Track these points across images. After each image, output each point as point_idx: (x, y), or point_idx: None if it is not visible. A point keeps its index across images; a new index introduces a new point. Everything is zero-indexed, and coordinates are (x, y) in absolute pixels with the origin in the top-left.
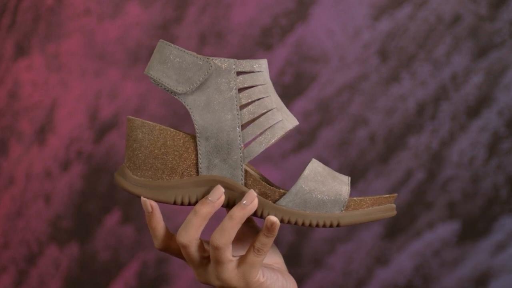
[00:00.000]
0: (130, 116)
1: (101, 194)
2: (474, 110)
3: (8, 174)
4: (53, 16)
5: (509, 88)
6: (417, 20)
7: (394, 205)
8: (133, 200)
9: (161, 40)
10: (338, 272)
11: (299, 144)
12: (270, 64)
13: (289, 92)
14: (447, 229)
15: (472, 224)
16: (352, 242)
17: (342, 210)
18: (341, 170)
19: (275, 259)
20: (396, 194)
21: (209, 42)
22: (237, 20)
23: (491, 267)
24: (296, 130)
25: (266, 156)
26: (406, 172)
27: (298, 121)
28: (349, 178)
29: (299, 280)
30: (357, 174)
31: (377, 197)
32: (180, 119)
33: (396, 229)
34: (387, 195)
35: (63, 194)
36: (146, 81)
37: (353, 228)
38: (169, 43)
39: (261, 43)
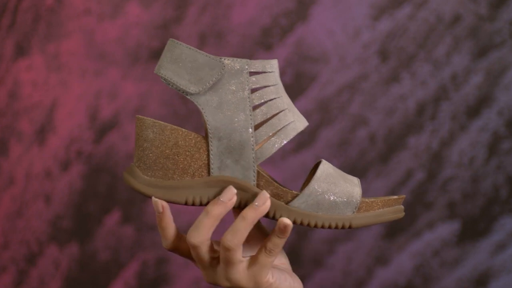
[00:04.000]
0: (139, 116)
1: (101, 194)
2: (474, 110)
3: (8, 174)
4: (53, 16)
5: (509, 88)
6: (417, 20)
7: (402, 207)
8: (133, 201)
9: (171, 39)
10: (338, 272)
11: (299, 144)
12: None
13: (289, 92)
14: (447, 229)
15: (472, 224)
16: (352, 242)
17: (354, 212)
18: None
19: (281, 260)
20: (404, 196)
21: (209, 42)
22: (237, 20)
23: (491, 267)
24: None
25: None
26: (406, 172)
27: None
28: (359, 179)
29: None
30: (357, 174)
31: (387, 198)
32: (180, 119)
33: (396, 229)
34: (396, 197)
35: (63, 194)
36: (146, 81)
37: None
38: (180, 42)
39: (261, 43)
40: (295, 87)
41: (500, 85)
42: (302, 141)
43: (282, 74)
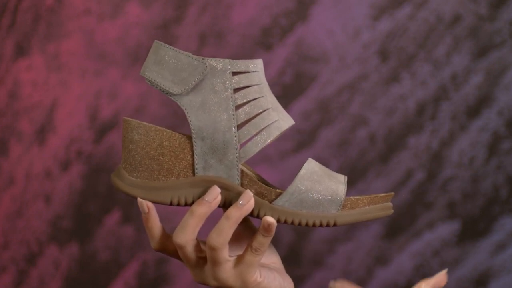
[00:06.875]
0: (126, 117)
1: (101, 194)
2: (474, 110)
3: (8, 174)
4: (53, 16)
5: (509, 88)
6: (417, 20)
7: (391, 204)
8: (133, 200)
9: (156, 41)
10: (338, 272)
11: (299, 144)
12: (270, 64)
13: (289, 92)
14: (447, 229)
15: (472, 224)
16: (352, 242)
17: (338, 210)
18: (341, 170)
19: (272, 258)
20: (392, 193)
21: (209, 42)
22: (237, 20)
23: (491, 267)
24: (296, 130)
25: (266, 157)
26: (406, 172)
27: (298, 121)
28: (346, 177)
29: (299, 280)
30: (357, 174)
31: (374, 196)
32: (180, 119)
33: (396, 229)
34: (384, 194)
35: (63, 194)
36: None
37: (353, 228)
38: (164, 44)
39: (261, 43)
40: (295, 87)
41: (500, 85)
42: (302, 141)
43: (282, 74)
